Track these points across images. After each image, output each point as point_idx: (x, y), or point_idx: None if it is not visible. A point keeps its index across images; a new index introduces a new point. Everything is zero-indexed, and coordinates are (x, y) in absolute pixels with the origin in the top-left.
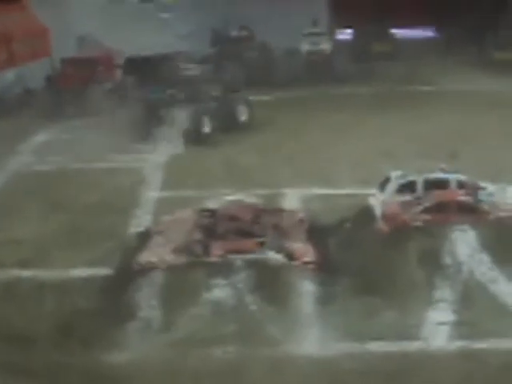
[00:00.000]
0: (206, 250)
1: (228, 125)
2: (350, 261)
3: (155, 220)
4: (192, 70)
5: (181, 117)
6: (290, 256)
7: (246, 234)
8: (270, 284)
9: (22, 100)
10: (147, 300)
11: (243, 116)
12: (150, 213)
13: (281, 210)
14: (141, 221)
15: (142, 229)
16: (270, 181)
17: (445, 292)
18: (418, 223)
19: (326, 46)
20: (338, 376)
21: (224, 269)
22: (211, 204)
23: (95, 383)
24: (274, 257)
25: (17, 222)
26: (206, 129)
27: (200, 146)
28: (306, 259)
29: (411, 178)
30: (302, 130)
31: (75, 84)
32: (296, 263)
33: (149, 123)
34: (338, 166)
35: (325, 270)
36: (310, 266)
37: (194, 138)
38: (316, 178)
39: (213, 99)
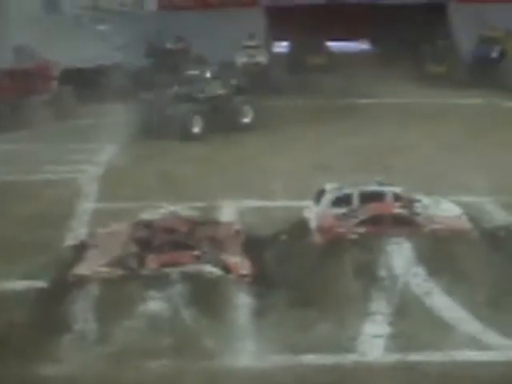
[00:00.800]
0: (142, 263)
1: (227, 126)
2: (286, 273)
3: (91, 232)
4: (196, 70)
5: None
6: (226, 269)
7: (182, 246)
8: (206, 297)
9: None
10: (82, 313)
11: (246, 118)
12: (85, 225)
13: (217, 223)
14: (76, 233)
15: (77, 241)
16: (206, 193)
17: (380, 304)
18: (354, 236)
19: (262, 58)
20: None
21: (159, 281)
22: (147, 216)
23: None
24: (210, 269)
25: None
26: (196, 128)
27: (137, 157)
28: (242, 272)
29: (347, 191)
30: (238, 142)
31: (11, 96)
32: (232, 276)
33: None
34: (274, 179)
35: (260, 282)
36: (246, 279)
37: (183, 136)
38: (252, 190)
39: (212, 99)
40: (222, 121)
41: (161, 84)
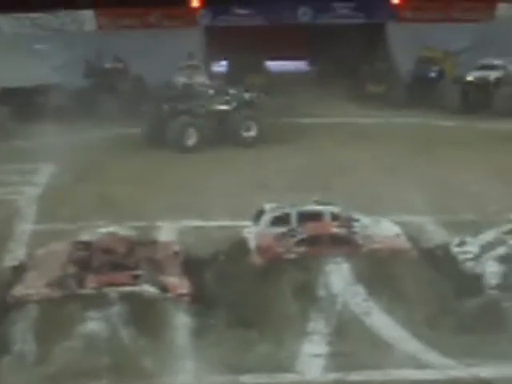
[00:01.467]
0: (81, 283)
1: (226, 141)
2: (225, 293)
3: (30, 253)
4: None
5: None
6: (165, 289)
7: (121, 266)
8: (145, 317)
9: None
10: (21, 334)
11: (249, 132)
12: (24, 246)
13: (155, 243)
14: (15, 254)
15: (16, 262)
16: (144, 212)
17: (319, 324)
18: (293, 256)
19: (201, 78)
20: None
21: (98, 302)
22: (86, 236)
23: None
24: (149, 289)
25: None
26: (190, 141)
27: (76, 177)
28: (181, 292)
29: (285, 211)
30: (177, 162)
31: None
32: (171, 296)
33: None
34: (214, 198)
35: (200, 302)
36: (185, 299)
37: (177, 148)
38: (191, 210)
39: (212, 114)
40: (221, 135)
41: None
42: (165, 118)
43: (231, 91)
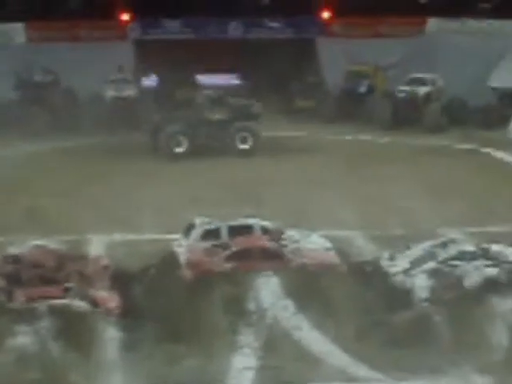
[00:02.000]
0: (10, 297)
1: (217, 149)
2: (155, 307)
3: None
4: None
5: None
6: (94, 303)
7: (50, 280)
8: (74, 330)
9: None
10: None
11: (244, 144)
12: None
13: (85, 257)
14: None
15: None
16: (75, 226)
17: (249, 338)
18: (223, 270)
19: (130, 92)
20: None
21: (28, 316)
22: (15, 250)
23: None
24: (79, 303)
25: None
26: (179, 149)
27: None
28: (110, 306)
29: (215, 225)
30: (109, 175)
31: None
32: (100, 310)
33: None
34: (144, 212)
35: (129, 316)
36: (114, 313)
37: (165, 156)
38: (122, 223)
39: (205, 123)
40: (213, 145)
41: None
42: (157, 125)
43: (232, 100)
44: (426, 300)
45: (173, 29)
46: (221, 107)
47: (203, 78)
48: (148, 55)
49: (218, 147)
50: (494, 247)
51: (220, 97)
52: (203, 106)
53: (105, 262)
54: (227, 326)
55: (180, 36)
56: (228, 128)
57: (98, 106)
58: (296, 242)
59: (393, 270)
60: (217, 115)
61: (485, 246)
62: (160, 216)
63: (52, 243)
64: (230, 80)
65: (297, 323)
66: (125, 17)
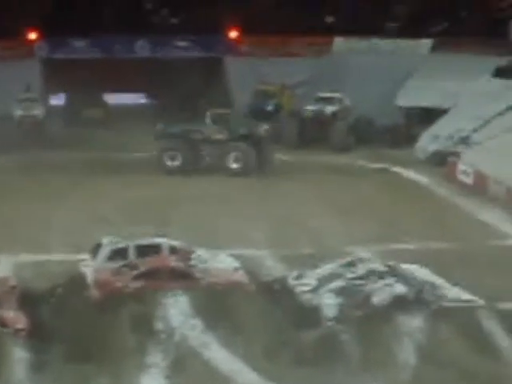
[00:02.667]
0: None
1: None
2: (63, 328)
3: None
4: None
5: None
6: (2, 323)
7: None
8: None
9: None
10: None
11: (235, 164)
12: None
13: None
14: None
15: None
16: None
17: (157, 357)
18: (131, 289)
19: (38, 111)
20: None
21: None
22: None
23: None
24: None
25: None
26: (171, 163)
27: None
28: (18, 326)
29: (123, 244)
30: (12, 196)
31: None
32: (7, 330)
33: None
34: (52, 232)
35: (37, 337)
36: (22, 334)
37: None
38: (29, 243)
39: (204, 141)
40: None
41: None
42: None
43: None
44: (334, 318)
45: (80, 48)
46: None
47: (111, 97)
48: (56, 74)
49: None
50: (403, 266)
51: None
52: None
53: (12, 282)
54: (135, 345)
55: (87, 55)
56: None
57: (6, 124)
58: (204, 261)
59: (301, 288)
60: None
61: (393, 264)
62: (67, 236)
63: None
64: (138, 99)
65: (205, 342)
66: (32, 36)
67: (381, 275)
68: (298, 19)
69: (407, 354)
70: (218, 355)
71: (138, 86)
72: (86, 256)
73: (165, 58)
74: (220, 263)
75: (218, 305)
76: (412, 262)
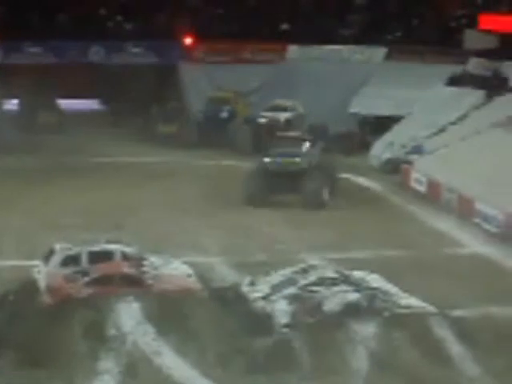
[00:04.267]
0: None
1: None
2: (14, 334)
3: None
4: None
5: None
6: None
7: None
8: None
9: None
10: None
11: None
12: None
13: None
14: None
15: None
16: None
17: (109, 363)
18: (83, 296)
19: None
20: None
21: None
22: None
23: None
24: None
25: None
26: None
27: None
28: None
29: (75, 251)
30: None
31: None
32: None
33: None
34: (3, 238)
35: None
36: None
37: None
38: None
39: None
40: None
41: None
42: None
43: None
44: (287, 325)
45: (34, 53)
46: None
47: (64, 103)
48: (9, 79)
49: None
50: (355, 273)
51: None
52: None
53: None
54: (87, 351)
55: (41, 60)
56: None
57: None
58: (157, 268)
59: (253, 295)
60: None
61: (345, 271)
62: (19, 241)
63: None
64: (92, 105)
65: (157, 349)
66: None
67: (333, 282)
68: (253, 26)
69: (359, 360)
70: (171, 362)
71: (92, 91)
72: (38, 262)
73: (119, 63)
74: (172, 270)
75: (170, 311)
76: (365, 270)
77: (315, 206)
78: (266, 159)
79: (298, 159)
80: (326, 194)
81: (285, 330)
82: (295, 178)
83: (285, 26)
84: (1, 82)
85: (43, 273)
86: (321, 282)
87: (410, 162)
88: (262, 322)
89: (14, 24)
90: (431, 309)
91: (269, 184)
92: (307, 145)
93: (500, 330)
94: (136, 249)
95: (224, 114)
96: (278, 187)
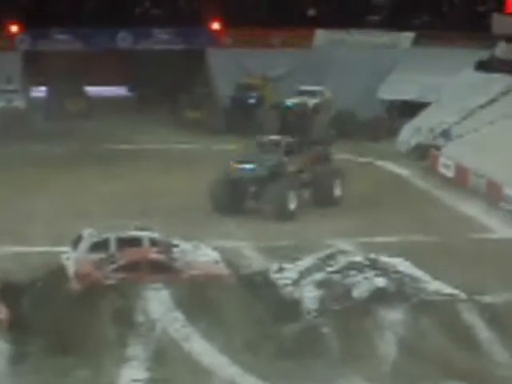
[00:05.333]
0: None
1: None
2: (43, 320)
3: None
4: None
5: None
6: None
7: None
8: None
9: None
10: None
11: None
12: None
13: None
14: None
15: None
16: None
17: (138, 349)
18: (112, 282)
19: (20, 103)
20: None
21: None
22: None
23: None
24: None
25: None
26: None
27: None
28: None
29: (104, 237)
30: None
31: None
32: None
33: None
34: (32, 224)
35: (17, 329)
36: (2, 325)
37: None
38: (8, 235)
39: None
40: None
41: None
42: None
43: None
44: (315, 311)
45: (62, 40)
46: None
47: (92, 89)
48: (37, 66)
49: None
50: (384, 259)
51: None
52: None
53: None
54: (116, 337)
55: (69, 47)
56: None
57: None
58: (185, 254)
59: (282, 281)
60: None
61: (374, 257)
62: (48, 228)
63: None
64: (119, 91)
65: (186, 335)
66: (14, 28)
67: (361, 268)
68: (281, 12)
69: (388, 346)
70: (199, 348)
71: (120, 77)
72: (66, 248)
73: (146, 50)
74: (201, 256)
75: (199, 297)
76: (393, 255)
77: (277, 216)
78: (227, 167)
79: (252, 166)
80: (293, 204)
81: (313, 315)
82: (258, 186)
83: (312, 12)
84: (29, 68)
85: (72, 259)
86: (349, 267)
87: (437, 147)
88: (290, 308)
89: (42, 11)
90: (460, 295)
91: (233, 192)
92: (284, 150)
93: None
94: (164, 235)
95: (252, 100)
96: (241, 196)
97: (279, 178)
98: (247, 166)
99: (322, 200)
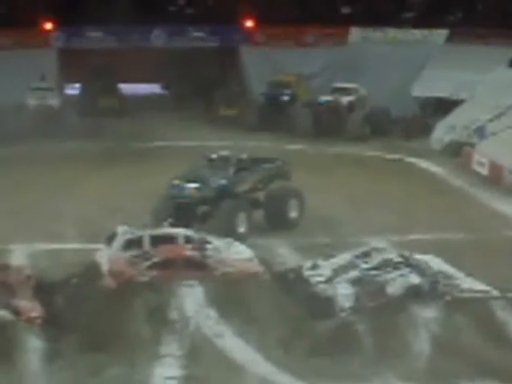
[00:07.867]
0: None
1: None
2: (77, 317)
3: None
4: None
5: None
6: (17, 312)
7: None
8: None
9: None
10: None
11: None
12: None
13: (7, 267)
14: None
15: None
16: None
17: (172, 347)
18: (146, 279)
19: (53, 100)
20: None
21: None
22: None
23: None
24: (1, 313)
25: None
26: None
27: None
28: (33, 315)
29: (138, 234)
30: (27, 186)
31: None
32: (22, 319)
33: None
34: (66, 222)
35: (52, 326)
36: (37, 322)
37: None
38: (43, 233)
39: None
40: None
41: None
42: None
43: None
44: (349, 308)
45: (96, 37)
46: None
47: (126, 87)
48: (71, 64)
49: None
50: (418, 256)
51: None
52: None
53: (27, 271)
54: (150, 334)
55: (103, 45)
56: None
57: (20, 114)
58: (219, 251)
59: (316, 278)
60: None
61: (407, 254)
62: (82, 225)
63: None
64: (153, 89)
65: (220, 332)
66: (48, 26)
67: (395, 265)
68: (314, 10)
69: (422, 344)
70: (233, 345)
71: (154, 75)
72: (100, 245)
73: (180, 47)
74: (235, 253)
75: (232, 294)
76: (427, 253)
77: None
78: (169, 185)
79: (196, 185)
80: (242, 228)
81: (347, 313)
82: (203, 208)
83: (346, 10)
84: (63, 66)
85: (106, 256)
86: (383, 265)
87: (472, 145)
88: (324, 305)
89: (76, 9)
90: (494, 292)
91: (177, 213)
92: (234, 167)
93: None
94: (198, 232)
95: (285, 98)
96: (186, 218)
97: (226, 199)
98: (190, 185)
99: (275, 222)
